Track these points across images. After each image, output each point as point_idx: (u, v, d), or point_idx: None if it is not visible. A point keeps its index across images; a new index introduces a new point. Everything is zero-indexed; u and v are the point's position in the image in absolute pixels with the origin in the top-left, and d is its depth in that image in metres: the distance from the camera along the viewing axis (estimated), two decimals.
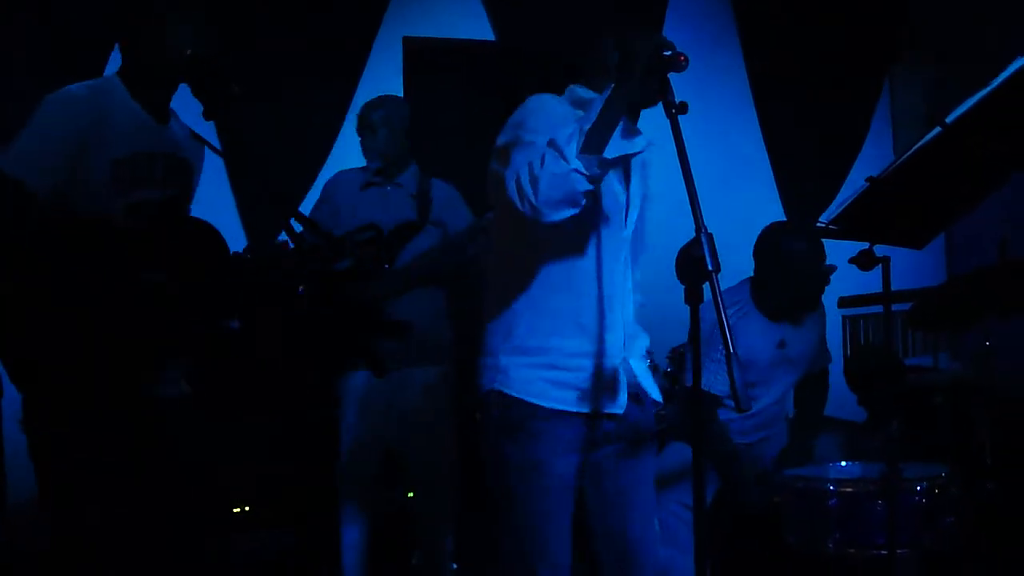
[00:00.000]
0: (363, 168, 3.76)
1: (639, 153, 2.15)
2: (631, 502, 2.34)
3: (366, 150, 3.74)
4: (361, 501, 3.62)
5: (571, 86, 2.36)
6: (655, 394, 2.38)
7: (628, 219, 2.33)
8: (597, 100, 2.09)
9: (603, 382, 2.26)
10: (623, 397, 2.28)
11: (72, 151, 2.28)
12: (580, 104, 2.27)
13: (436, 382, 3.63)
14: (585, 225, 2.21)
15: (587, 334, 2.25)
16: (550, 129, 2.12)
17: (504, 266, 2.34)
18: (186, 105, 2.52)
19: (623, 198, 2.31)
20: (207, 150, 2.65)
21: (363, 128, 3.73)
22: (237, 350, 3.81)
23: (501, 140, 2.25)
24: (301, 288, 3.24)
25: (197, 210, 2.60)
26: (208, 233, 2.40)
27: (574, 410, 2.25)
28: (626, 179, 2.33)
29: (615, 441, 2.32)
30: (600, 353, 2.26)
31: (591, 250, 2.26)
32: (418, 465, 3.68)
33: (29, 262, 2.18)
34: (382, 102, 3.74)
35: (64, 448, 2.22)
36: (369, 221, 3.53)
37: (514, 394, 2.25)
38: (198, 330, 2.38)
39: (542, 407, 2.24)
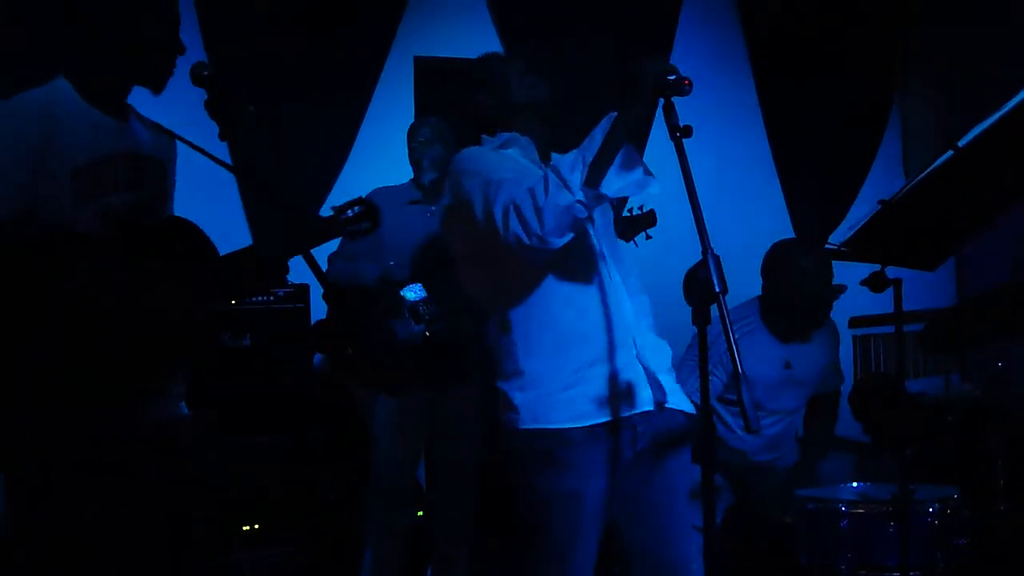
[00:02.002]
0: (405, 185, 3.76)
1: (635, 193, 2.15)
2: (667, 521, 2.29)
3: (417, 167, 3.72)
4: (390, 521, 3.60)
5: (484, 136, 2.40)
6: (682, 404, 2.30)
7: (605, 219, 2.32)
8: (597, 129, 2.07)
9: (619, 383, 2.20)
10: (646, 393, 2.21)
11: (27, 166, 2.08)
12: (506, 145, 2.31)
13: (469, 402, 3.65)
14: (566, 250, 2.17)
15: (590, 342, 2.21)
16: (509, 169, 2.16)
17: (495, 300, 2.31)
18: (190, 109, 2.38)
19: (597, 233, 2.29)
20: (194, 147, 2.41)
21: (417, 144, 3.71)
22: (244, 364, 3.83)
23: (462, 191, 2.21)
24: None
25: (207, 225, 2.54)
26: (188, 231, 2.27)
27: (596, 421, 2.18)
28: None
29: (643, 449, 2.24)
30: (608, 357, 2.20)
31: (575, 261, 2.23)
32: (445, 483, 3.69)
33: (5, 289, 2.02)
34: (422, 124, 3.74)
35: (44, 488, 2.08)
36: (415, 240, 3.54)
37: (532, 426, 2.20)
38: (189, 342, 2.23)
39: (563, 430, 2.18)
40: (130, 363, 2.10)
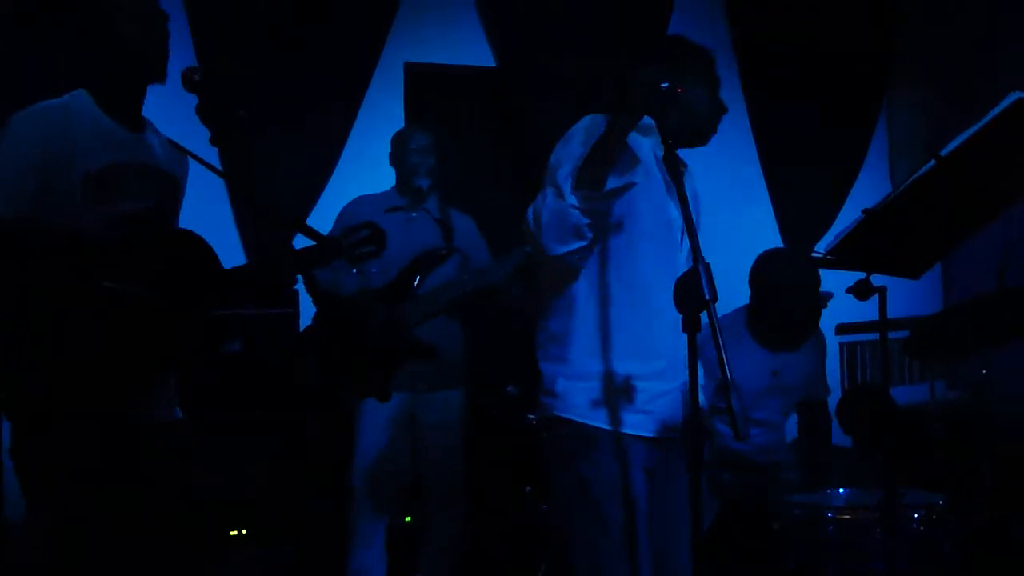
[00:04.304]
0: (386, 193, 3.77)
1: (634, 184, 2.16)
2: (676, 532, 2.32)
3: (413, 173, 3.71)
4: (375, 525, 3.61)
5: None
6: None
7: (683, 241, 2.31)
8: (574, 133, 2.11)
9: (662, 405, 2.27)
10: (677, 419, 2.28)
11: (38, 170, 2.19)
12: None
13: (452, 405, 3.66)
14: (635, 248, 2.22)
15: (643, 357, 2.26)
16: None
17: (555, 293, 2.34)
18: (180, 117, 2.47)
19: (679, 221, 2.30)
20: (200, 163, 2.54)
21: (402, 154, 3.72)
22: (234, 370, 3.84)
23: (551, 171, 2.21)
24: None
25: (197, 229, 2.57)
26: (194, 242, 2.35)
27: (635, 433, 2.26)
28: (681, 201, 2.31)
29: (658, 456, 2.31)
30: (658, 375, 2.27)
31: (645, 274, 2.26)
32: (432, 488, 3.70)
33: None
34: (419, 131, 3.75)
35: (51, 476, 2.17)
36: (396, 245, 3.54)
37: (576, 419, 2.27)
38: (189, 348, 2.31)
39: (604, 430, 2.25)
40: (129, 364, 2.16)
